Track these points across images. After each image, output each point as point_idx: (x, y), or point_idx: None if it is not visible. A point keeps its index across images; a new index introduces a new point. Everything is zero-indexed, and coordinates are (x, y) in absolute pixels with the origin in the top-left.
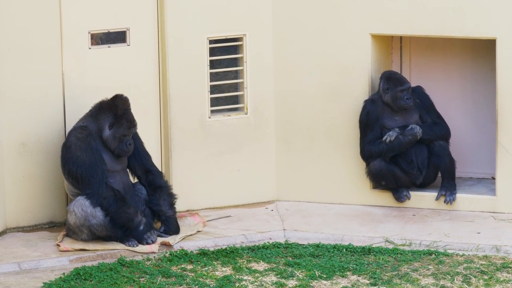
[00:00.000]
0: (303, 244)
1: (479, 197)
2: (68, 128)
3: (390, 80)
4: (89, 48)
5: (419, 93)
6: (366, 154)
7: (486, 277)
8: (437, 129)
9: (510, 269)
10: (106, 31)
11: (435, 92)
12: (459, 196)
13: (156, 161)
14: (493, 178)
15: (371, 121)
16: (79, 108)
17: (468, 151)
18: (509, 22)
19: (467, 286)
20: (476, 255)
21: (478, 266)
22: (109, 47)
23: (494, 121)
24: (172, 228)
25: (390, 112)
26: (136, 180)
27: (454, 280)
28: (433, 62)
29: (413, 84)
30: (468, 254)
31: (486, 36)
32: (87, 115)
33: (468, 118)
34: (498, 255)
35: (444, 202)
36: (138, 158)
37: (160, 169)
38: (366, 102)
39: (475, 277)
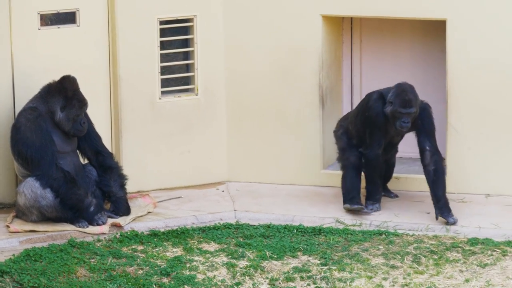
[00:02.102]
0: (254, 225)
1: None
2: (18, 110)
3: (398, 97)
4: (39, 29)
5: (423, 112)
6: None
7: (436, 256)
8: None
9: (459, 249)
10: (56, 11)
11: (385, 73)
12: (409, 176)
13: (107, 142)
14: (443, 158)
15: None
16: (29, 89)
17: None
18: (459, 4)
19: (417, 266)
20: (426, 235)
21: (428, 246)
22: (58, 28)
23: (444, 101)
24: (122, 209)
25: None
26: (86, 162)
27: (404, 260)
28: (383, 43)
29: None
30: (418, 234)
31: (436, 17)
32: (36, 97)
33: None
34: (448, 235)
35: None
36: (89, 139)
37: (110, 150)
38: (375, 95)
39: (425, 256)
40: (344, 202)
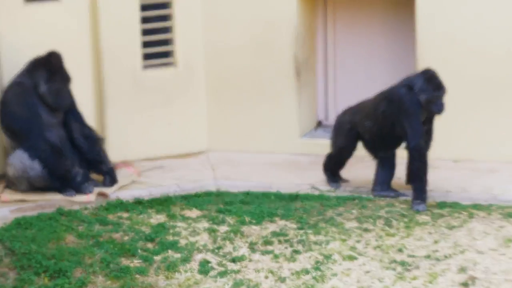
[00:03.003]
0: (234, 192)
1: (402, 144)
2: (4, 84)
3: (430, 82)
4: (24, 5)
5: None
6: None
7: (406, 219)
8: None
9: (428, 212)
10: None
11: (358, 46)
12: None
13: (91, 114)
14: None
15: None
16: (15, 64)
17: None
18: None
19: (388, 229)
20: (397, 199)
21: (399, 209)
22: (42, 4)
23: (414, 70)
24: (115, 178)
25: None
26: (72, 134)
27: (376, 223)
28: (356, 18)
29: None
30: (390, 199)
31: None
32: (22, 72)
33: (390, 68)
34: None
35: None
36: (74, 113)
37: (94, 122)
38: (404, 89)
39: (396, 220)
40: (324, 171)
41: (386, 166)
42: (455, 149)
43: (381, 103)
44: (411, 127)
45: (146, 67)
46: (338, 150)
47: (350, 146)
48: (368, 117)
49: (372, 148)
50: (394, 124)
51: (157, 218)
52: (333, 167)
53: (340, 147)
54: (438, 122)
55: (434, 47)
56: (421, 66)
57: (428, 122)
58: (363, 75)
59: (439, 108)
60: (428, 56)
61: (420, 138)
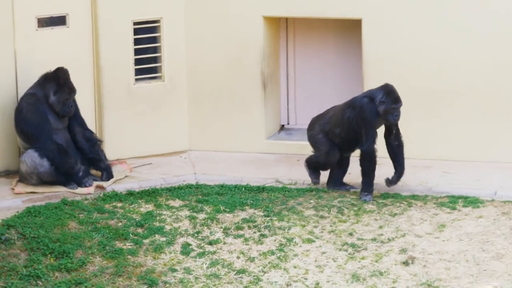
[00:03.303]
0: (210, 185)
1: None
2: (20, 95)
3: (389, 96)
4: (36, 30)
5: None
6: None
7: (355, 208)
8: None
9: (374, 202)
10: (50, 16)
11: (314, 63)
12: None
13: (91, 120)
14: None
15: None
16: (29, 78)
17: None
18: (370, 6)
19: (341, 216)
20: (348, 191)
21: (349, 200)
22: (52, 29)
23: (361, 84)
24: (111, 173)
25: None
26: (75, 137)
27: (330, 211)
28: (312, 39)
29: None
30: (341, 191)
31: (353, 17)
32: (35, 84)
33: (340, 81)
34: None
35: None
36: (78, 119)
37: (95, 127)
38: (366, 99)
39: (347, 208)
40: (307, 162)
41: (341, 165)
42: None
43: (346, 110)
44: (366, 133)
45: (137, 80)
46: (326, 154)
47: (335, 149)
48: (337, 124)
49: (340, 150)
50: (388, 134)
51: (146, 207)
52: (318, 166)
53: (326, 152)
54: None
55: (378, 63)
56: (367, 80)
57: (394, 128)
58: (318, 87)
59: (395, 118)
60: (373, 71)
61: (372, 142)
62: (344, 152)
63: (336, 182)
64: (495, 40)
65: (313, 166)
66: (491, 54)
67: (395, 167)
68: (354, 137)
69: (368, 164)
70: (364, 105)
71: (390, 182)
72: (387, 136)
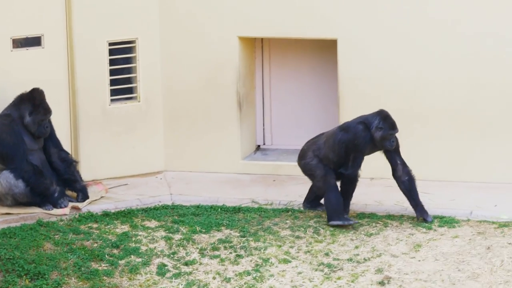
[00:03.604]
0: (186, 205)
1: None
2: None
3: (386, 121)
4: (11, 51)
5: None
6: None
7: (331, 228)
8: None
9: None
10: (25, 36)
11: (290, 83)
12: None
13: (67, 141)
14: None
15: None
16: (4, 99)
17: (316, 128)
18: (346, 26)
19: (317, 236)
20: (324, 211)
21: (325, 219)
22: (27, 49)
23: (337, 104)
24: (87, 194)
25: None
26: (51, 158)
27: (306, 231)
28: (288, 59)
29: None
30: (317, 211)
31: (329, 37)
32: (10, 105)
33: (316, 101)
34: None
35: None
36: (53, 140)
37: (70, 147)
38: (361, 126)
39: (323, 228)
40: (332, 219)
41: None
42: (371, 169)
43: (339, 133)
44: (355, 158)
45: (113, 101)
46: (324, 179)
47: (331, 173)
48: (330, 149)
49: (335, 174)
50: (344, 151)
51: (122, 228)
52: (335, 202)
53: (323, 176)
54: None
55: (353, 83)
56: (342, 100)
57: (396, 156)
58: (293, 107)
59: (391, 144)
60: (348, 91)
61: (357, 168)
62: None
63: (313, 202)
64: (467, 61)
65: (329, 204)
66: (464, 75)
67: (411, 205)
68: (345, 162)
69: (351, 188)
70: (358, 132)
71: (418, 218)
72: (394, 172)
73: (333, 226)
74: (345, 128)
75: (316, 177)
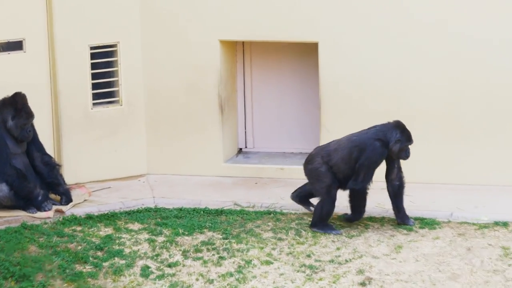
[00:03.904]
0: (169, 208)
1: None
2: None
3: (404, 134)
4: None
5: None
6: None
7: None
8: None
9: (332, 224)
10: (6, 41)
11: (271, 86)
12: (292, 167)
13: (50, 144)
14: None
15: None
16: None
17: (298, 131)
18: (327, 30)
19: (298, 238)
20: (306, 213)
21: (307, 222)
22: (9, 53)
23: (318, 107)
24: (70, 197)
25: None
26: (34, 161)
27: (288, 233)
28: (269, 63)
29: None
30: (299, 213)
31: (309, 40)
32: None
33: (298, 105)
34: None
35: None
36: (36, 144)
37: (53, 151)
38: (378, 143)
39: (305, 230)
40: (316, 226)
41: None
42: None
43: (354, 150)
44: (367, 173)
45: (95, 104)
46: (326, 192)
47: (335, 184)
48: (344, 161)
49: (341, 183)
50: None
51: (105, 230)
52: (325, 216)
53: (327, 187)
54: None
55: (335, 86)
56: (324, 102)
57: (396, 164)
58: (275, 111)
59: (407, 155)
60: (330, 93)
61: (368, 183)
62: (343, 186)
63: (304, 198)
64: (451, 64)
65: (320, 213)
66: (447, 77)
67: (393, 209)
68: (352, 172)
69: (359, 202)
70: (376, 149)
71: (399, 223)
72: (388, 174)
73: (313, 232)
74: (360, 145)
75: (321, 184)
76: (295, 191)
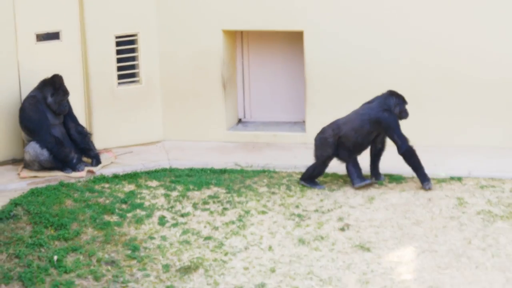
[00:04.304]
0: (181, 168)
1: (295, 134)
2: (23, 97)
3: (399, 97)
4: (35, 44)
5: None
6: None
7: (301, 185)
8: None
9: (316, 180)
10: (46, 32)
11: (265, 67)
12: (285, 134)
13: (82, 116)
14: (304, 122)
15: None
16: (30, 83)
17: (288, 104)
18: (311, 19)
19: (288, 192)
20: (294, 171)
21: (296, 178)
22: (48, 42)
23: (304, 84)
24: (99, 160)
25: None
26: (69, 131)
27: (280, 188)
28: (263, 48)
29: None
30: (289, 171)
31: (296, 29)
32: (35, 88)
33: (288, 83)
34: None
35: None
36: (71, 116)
37: (85, 122)
38: (386, 113)
39: (294, 186)
40: (305, 180)
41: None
42: None
43: (366, 123)
44: (399, 137)
45: (119, 84)
46: (324, 160)
47: (334, 154)
48: (353, 130)
49: (349, 152)
50: (375, 137)
51: (129, 187)
52: (315, 176)
53: (327, 156)
54: (321, 118)
55: (317, 67)
56: (308, 81)
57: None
58: (268, 87)
59: (407, 114)
60: (313, 74)
61: (407, 141)
62: (353, 154)
63: (310, 179)
64: (411, 47)
65: (309, 177)
66: (408, 57)
67: (370, 167)
68: (367, 144)
69: (414, 159)
70: (388, 117)
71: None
72: (374, 139)
73: (301, 186)
74: (371, 118)
75: (323, 153)
76: (304, 177)
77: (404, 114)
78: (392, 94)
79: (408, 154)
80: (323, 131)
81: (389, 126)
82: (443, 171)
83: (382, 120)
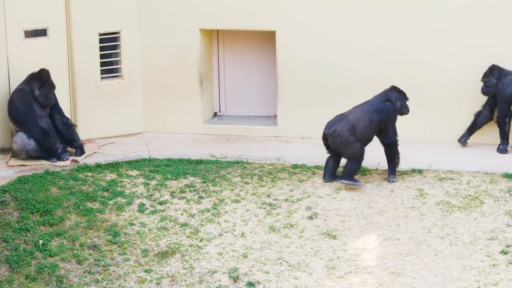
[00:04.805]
0: (160, 159)
1: (267, 127)
2: (12, 90)
3: (400, 93)
4: (24, 40)
5: None
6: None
7: (272, 176)
8: None
9: (286, 171)
10: (34, 29)
11: (239, 64)
12: (256, 127)
13: (67, 109)
14: (275, 116)
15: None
16: (18, 77)
17: (260, 99)
18: (282, 21)
19: (260, 182)
20: (266, 163)
21: (267, 169)
22: (36, 39)
23: (276, 80)
24: (83, 150)
25: None
26: (55, 122)
27: (252, 178)
28: (238, 47)
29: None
30: (261, 162)
31: (269, 29)
32: (23, 82)
33: (261, 79)
34: (279, 162)
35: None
36: (57, 108)
37: (70, 114)
38: (388, 103)
39: (265, 176)
40: (345, 178)
41: (335, 160)
42: (302, 130)
43: (372, 115)
44: (392, 128)
45: (103, 78)
46: (360, 150)
47: (363, 146)
48: (365, 127)
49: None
50: (381, 128)
51: (111, 176)
52: (354, 172)
53: (360, 147)
54: (293, 113)
55: (288, 64)
56: (280, 79)
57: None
58: (242, 83)
59: (408, 110)
60: (284, 70)
61: (396, 135)
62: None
63: (332, 174)
64: (376, 38)
65: (353, 174)
66: (377, 57)
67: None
68: (373, 135)
69: (396, 152)
70: (389, 107)
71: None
72: (380, 136)
73: (272, 177)
74: (376, 110)
75: (354, 149)
76: (325, 175)
77: (405, 110)
78: (394, 88)
79: (394, 146)
80: (340, 135)
81: (389, 115)
82: (404, 163)
83: (383, 109)
